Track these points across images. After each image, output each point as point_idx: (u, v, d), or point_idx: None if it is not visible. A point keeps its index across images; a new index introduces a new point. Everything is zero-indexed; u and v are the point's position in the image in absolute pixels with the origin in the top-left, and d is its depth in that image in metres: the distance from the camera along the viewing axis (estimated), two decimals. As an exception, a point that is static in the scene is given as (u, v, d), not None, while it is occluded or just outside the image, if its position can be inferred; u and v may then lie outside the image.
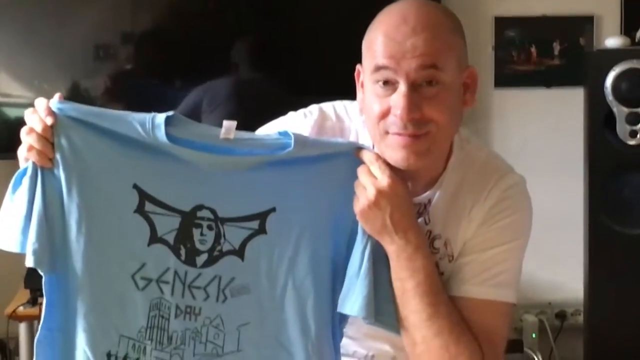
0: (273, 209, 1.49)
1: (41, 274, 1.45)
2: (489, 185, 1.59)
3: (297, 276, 1.50)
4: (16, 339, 2.92)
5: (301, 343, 1.51)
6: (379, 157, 1.51)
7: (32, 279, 2.82)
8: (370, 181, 1.49)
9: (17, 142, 1.47)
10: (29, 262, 1.43)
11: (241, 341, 1.49)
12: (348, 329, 1.61)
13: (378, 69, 1.48)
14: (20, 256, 1.45)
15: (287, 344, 1.50)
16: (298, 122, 1.66)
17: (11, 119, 3.09)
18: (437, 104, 1.47)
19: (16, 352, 2.98)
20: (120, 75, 3.24)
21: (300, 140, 1.49)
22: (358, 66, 1.58)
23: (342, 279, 1.52)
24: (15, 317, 2.81)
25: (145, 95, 3.23)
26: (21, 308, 2.81)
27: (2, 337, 3.09)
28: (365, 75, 1.53)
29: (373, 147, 1.60)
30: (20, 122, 1.47)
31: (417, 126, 1.47)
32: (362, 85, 1.57)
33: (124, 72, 3.26)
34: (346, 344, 1.65)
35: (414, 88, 1.46)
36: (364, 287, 1.48)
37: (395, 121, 1.48)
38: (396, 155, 1.49)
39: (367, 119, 1.55)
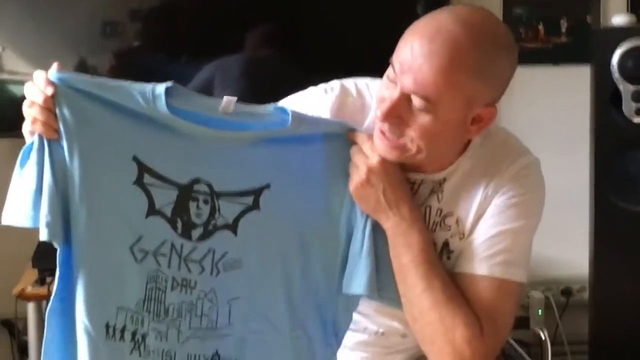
0: (267, 186, 1.50)
1: (55, 246, 1.46)
2: (504, 166, 1.59)
3: (287, 253, 1.51)
4: (24, 319, 2.92)
5: (286, 318, 1.52)
6: (370, 137, 1.52)
7: (40, 258, 2.83)
8: (362, 160, 1.51)
9: (24, 119, 1.47)
10: (43, 236, 1.44)
11: (232, 315, 1.50)
12: (359, 306, 1.62)
13: (391, 62, 1.48)
14: (28, 236, 1.46)
15: (274, 319, 1.52)
16: (319, 98, 1.66)
17: (18, 96, 3.08)
18: (420, 125, 1.47)
19: (24, 331, 2.99)
20: (127, 53, 3.23)
21: (297, 117, 1.50)
22: None
23: (336, 257, 1.53)
24: (23, 297, 2.81)
25: (153, 73, 3.20)
26: (29, 288, 2.81)
27: (10, 317, 3.10)
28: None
29: None
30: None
31: (393, 131, 1.48)
32: None
33: (131, 49, 3.25)
34: (357, 320, 1.66)
35: (406, 98, 1.46)
36: (367, 265, 1.50)
37: (379, 114, 1.49)
38: (379, 145, 1.51)
39: None
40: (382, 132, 1.50)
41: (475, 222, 1.60)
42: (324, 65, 3.03)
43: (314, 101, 1.65)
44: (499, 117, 3.70)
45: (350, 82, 1.68)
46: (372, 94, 1.65)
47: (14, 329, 3.20)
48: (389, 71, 1.50)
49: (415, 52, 1.43)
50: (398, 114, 1.47)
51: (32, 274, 2.87)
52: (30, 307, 2.84)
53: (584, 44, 3.30)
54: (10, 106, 3.07)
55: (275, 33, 3.24)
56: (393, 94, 1.47)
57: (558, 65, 3.47)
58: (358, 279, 1.50)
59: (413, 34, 1.46)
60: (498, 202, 1.58)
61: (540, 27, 3.46)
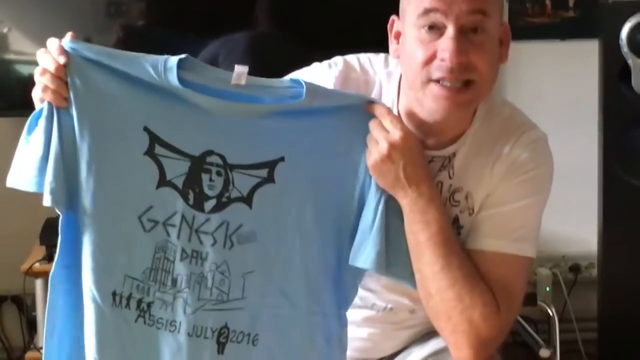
0: (282, 159, 1.49)
1: (58, 212, 1.46)
2: (511, 140, 1.59)
3: (303, 227, 1.51)
4: (32, 295, 2.95)
5: (304, 293, 1.52)
6: (390, 110, 1.52)
7: (47, 235, 2.84)
8: (383, 135, 1.49)
9: (30, 99, 1.47)
10: (47, 201, 1.44)
11: (246, 288, 1.50)
12: (367, 281, 1.63)
13: (427, 12, 1.48)
14: (36, 212, 1.46)
15: (290, 293, 1.52)
16: (322, 73, 1.66)
17: (24, 76, 3.09)
18: (483, 52, 1.48)
19: (33, 307, 3.01)
20: (133, 30, 3.22)
21: (311, 89, 1.49)
22: (393, 17, 1.58)
23: (348, 232, 1.53)
24: (31, 273, 2.83)
25: (158, 51, 3.22)
26: (37, 264, 2.83)
27: (18, 293, 3.12)
28: (407, 21, 1.53)
29: (398, 100, 1.61)
30: (33, 80, 1.47)
31: (462, 71, 1.48)
32: (396, 36, 1.58)
33: (137, 27, 3.25)
34: (365, 297, 1.67)
35: (461, 33, 1.47)
36: (377, 241, 1.49)
37: (440, 65, 1.48)
38: (436, 105, 1.50)
39: (406, 67, 1.55)
40: (445, 88, 1.49)
41: (485, 198, 1.60)
42: (328, 42, 3.04)
43: (318, 77, 1.65)
44: (506, 93, 3.71)
45: (353, 58, 1.69)
46: (376, 69, 1.66)
47: (23, 305, 3.21)
48: (421, 30, 1.49)
49: None
50: (464, 47, 1.47)
51: (40, 250, 2.89)
52: (39, 283, 2.86)
53: (592, 18, 3.27)
54: (17, 86, 3.08)
55: (279, 9, 3.22)
56: (448, 33, 1.47)
57: (566, 40, 3.46)
58: (366, 254, 1.50)
59: None
60: (508, 177, 1.58)
61: (547, 1, 3.44)
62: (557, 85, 3.47)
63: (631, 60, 2.86)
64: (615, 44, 2.87)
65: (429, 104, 1.51)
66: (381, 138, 1.49)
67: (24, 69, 3.15)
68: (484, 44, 1.49)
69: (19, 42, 3.18)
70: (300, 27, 3.21)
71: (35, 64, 1.48)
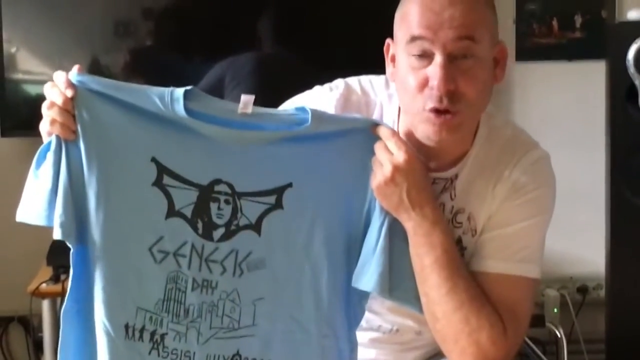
0: (290, 185, 1.49)
1: (69, 246, 1.47)
2: (513, 160, 1.59)
3: (312, 252, 1.51)
4: (39, 316, 2.94)
5: (314, 319, 1.52)
6: (395, 133, 1.52)
7: (54, 256, 2.84)
8: (387, 157, 1.49)
9: (39, 119, 1.48)
10: (57, 235, 1.45)
11: (257, 315, 1.50)
12: (372, 304, 1.62)
13: (414, 39, 1.48)
14: (43, 234, 1.46)
15: (301, 318, 1.51)
16: (324, 96, 1.67)
17: (32, 96, 3.10)
18: (471, 78, 1.48)
19: (39, 329, 3.01)
20: (140, 52, 3.24)
21: (317, 115, 1.49)
22: (388, 40, 1.58)
23: (357, 255, 1.52)
24: (38, 294, 2.83)
25: (165, 72, 3.24)
26: (44, 285, 2.83)
27: (25, 314, 3.11)
28: (399, 47, 1.53)
29: (398, 121, 1.61)
30: (41, 99, 1.48)
31: (452, 100, 1.47)
32: (392, 59, 1.58)
33: (144, 48, 3.26)
34: (371, 319, 1.66)
35: (449, 60, 1.47)
36: (380, 264, 1.49)
37: (431, 94, 1.48)
38: (428, 129, 1.50)
39: (401, 92, 1.55)
40: (438, 112, 1.49)
41: (487, 220, 1.59)
42: (334, 62, 3.06)
43: (319, 99, 1.66)
44: (514, 113, 3.71)
45: (354, 80, 1.70)
46: (377, 90, 1.66)
47: (29, 326, 3.21)
48: (411, 58, 1.49)
49: (436, 9, 1.46)
50: (452, 75, 1.47)
51: (47, 271, 2.89)
52: (45, 305, 2.86)
53: (598, 39, 3.28)
54: (25, 105, 3.10)
55: (285, 30, 3.24)
56: (436, 61, 1.47)
57: (572, 60, 3.46)
58: (369, 276, 1.49)
59: (416, 0, 1.49)
60: (511, 198, 1.58)
61: (554, 22, 3.45)
62: (564, 105, 3.47)
63: (638, 81, 2.85)
64: (622, 65, 2.86)
65: (423, 129, 1.51)
66: (385, 160, 1.49)
67: (31, 89, 3.16)
68: (472, 69, 1.48)
69: (27, 62, 3.20)
70: (306, 48, 3.22)
71: (44, 83, 1.48)
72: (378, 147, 1.51)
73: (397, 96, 1.60)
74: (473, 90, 1.49)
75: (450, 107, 1.48)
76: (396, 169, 1.48)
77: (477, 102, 1.52)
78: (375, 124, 1.53)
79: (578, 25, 3.45)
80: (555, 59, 3.46)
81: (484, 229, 1.60)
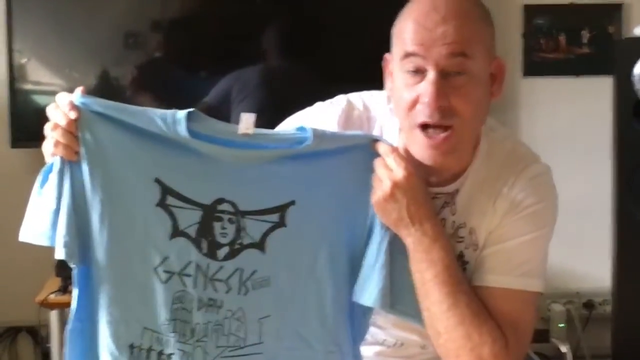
0: (292, 202, 1.50)
1: (72, 266, 1.47)
2: (512, 177, 1.58)
3: (316, 269, 1.51)
4: (47, 326, 2.96)
5: (320, 335, 1.52)
6: (395, 149, 1.52)
7: (63, 267, 2.82)
8: (386, 174, 1.49)
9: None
10: (60, 255, 1.44)
11: (263, 333, 1.50)
12: (376, 318, 1.63)
13: (407, 55, 1.48)
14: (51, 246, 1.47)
15: (307, 335, 1.52)
16: (325, 112, 1.67)
17: (41, 106, 3.09)
18: (464, 95, 1.48)
19: (47, 339, 3.02)
20: (149, 63, 3.25)
21: (318, 134, 1.49)
22: (386, 55, 1.58)
23: (359, 271, 1.52)
24: (46, 305, 2.85)
25: (174, 84, 3.25)
26: (52, 296, 2.85)
27: (33, 324, 3.13)
28: (395, 63, 1.53)
29: (399, 136, 1.61)
30: (50, 110, 1.48)
31: (443, 116, 1.47)
32: (390, 74, 1.58)
33: (154, 60, 3.28)
34: (375, 333, 1.67)
35: (442, 76, 1.46)
36: (380, 279, 1.49)
37: (422, 109, 1.48)
38: (422, 153, 1.51)
39: (396, 108, 1.56)
40: (429, 137, 1.49)
41: (489, 233, 1.59)
42: (341, 75, 3.07)
43: (321, 115, 1.66)
44: (520, 127, 3.71)
45: (355, 96, 1.69)
46: (378, 106, 1.66)
47: (38, 336, 3.22)
48: (405, 74, 1.49)
49: (429, 25, 1.46)
50: (444, 91, 1.47)
51: (55, 282, 2.91)
52: (53, 315, 2.88)
53: (605, 55, 3.30)
54: (34, 116, 3.11)
55: (292, 43, 3.25)
56: (429, 78, 1.47)
57: (579, 76, 3.47)
58: (369, 291, 1.50)
59: (412, 15, 1.49)
60: (512, 213, 1.58)
61: (562, 37, 3.46)
62: (571, 120, 3.48)
63: (644, 96, 2.87)
64: (628, 81, 2.87)
65: (416, 150, 1.52)
66: (385, 177, 1.49)
67: (41, 100, 3.18)
68: (465, 86, 1.48)
69: (37, 73, 3.22)
70: (313, 61, 3.23)
71: (54, 94, 1.49)
72: (377, 164, 1.51)
73: (394, 113, 1.60)
74: (466, 107, 1.49)
75: (442, 121, 1.48)
76: (395, 185, 1.48)
77: (472, 119, 1.51)
78: (375, 140, 1.54)
79: (585, 40, 3.46)
80: (563, 74, 3.48)
81: (486, 244, 1.60)
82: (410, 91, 1.49)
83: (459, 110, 1.48)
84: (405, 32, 1.49)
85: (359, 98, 1.69)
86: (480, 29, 1.50)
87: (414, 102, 1.49)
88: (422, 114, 1.48)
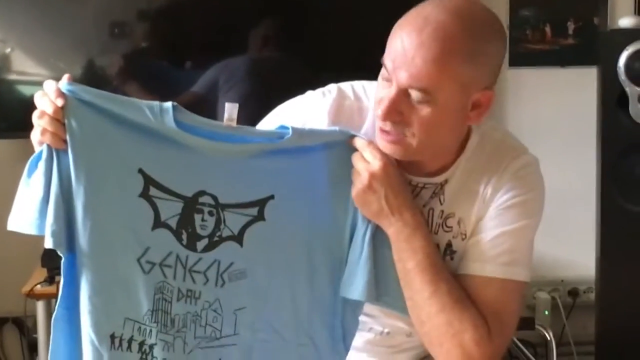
0: (271, 197, 1.51)
1: (60, 254, 1.48)
2: (502, 165, 1.60)
3: (292, 263, 1.53)
4: (34, 317, 2.96)
5: (293, 328, 1.54)
6: (370, 142, 1.53)
7: (49, 257, 2.85)
8: (364, 166, 1.51)
9: (32, 120, 1.48)
10: (48, 244, 1.45)
11: (238, 325, 1.51)
12: (365, 306, 1.63)
13: (383, 61, 1.50)
14: (37, 236, 1.47)
15: (281, 329, 1.53)
16: (317, 102, 1.67)
17: (27, 97, 3.10)
18: (421, 118, 1.48)
19: (34, 329, 3.02)
20: (135, 53, 3.24)
21: (297, 131, 1.51)
22: None
23: (339, 267, 1.54)
24: (32, 295, 2.84)
25: (160, 73, 3.24)
26: (38, 286, 2.84)
27: (19, 315, 3.13)
28: None
29: None
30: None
31: (395, 127, 1.49)
32: None
33: (140, 50, 3.26)
34: (363, 321, 1.67)
35: (404, 94, 1.47)
36: (365, 272, 1.51)
37: (378, 115, 1.51)
38: (382, 148, 1.53)
39: None
40: (383, 130, 1.51)
41: (477, 223, 1.61)
42: (328, 65, 3.07)
43: (312, 105, 1.66)
44: (506, 118, 3.72)
45: (347, 86, 1.70)
46: (370, 96, 1.66)
47: (24, 327, 3.22)
48: (383, 71, 1.51)
49: (405, 46, 1.44)
50: (398, 110, 1.48)
51: (42, 272, 2.90)
52: (40, 306, 2.87)
53: (590, 46, 3.31)
54: (19, 106, 3.10)
55: (280, 33, 3.25)
56: (390, 92, 1.47)
57: (565, 67, 3.48)
58: (355, 285, 1.51)
59: (401, 28, 1.47)
60: (499, 202, 1.59)
61: (547, 28, 3.47)
62: (556, 111, 3.49)
63: (629, 87, 2.89)
64: (613, 72, 2.89)
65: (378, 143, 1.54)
66: (362, 169, 1.51)
67: (26, 90, 3.16)
68: (425, 110, 1.47)
69: (22, 63, 3.20)
70: (301, 51, 3.23)
71: (39, 84, 1.49)
72: (355, 158, 1.53)
73: None
74: (420, 126, 1.48)
75: (392, 130, 1.50)
76: (372, 176, 1.50)
77: (426, 140, 1.50)
78: (352, 136, 1.55)
79: (571, 31, 3.47)
80: (548, 65, 3.48)
81: (473, 233, 1.61)
82: (379, 93, 1.51)
83: (412, 126, 1.49)
84: (390, 40, 1.49)
85: (350, 88, 1.69)
86: (458, 68, 1.45)
87: (377, 104, 1.52)
88: (377, 118, 1.51)
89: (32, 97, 1.48)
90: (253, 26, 3.23)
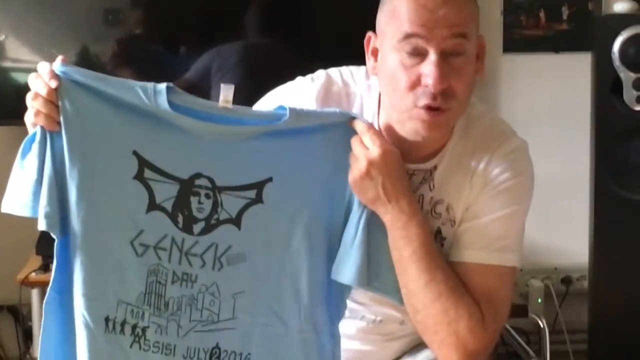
0: (270, 179, 1.50)
1: (53, 237, 1.47)
2: (489, 152, 1.60)
3: (292, 246, 1.52)
4: (29, 305, 2.96)
5: (294, 312, 1.53)
6: (371, 126, 1.52)
7: (43, 245, 2.84)
8: (362, 152, 1.50)
9: (27, 107, 1.48)
10: (41, 226, 1.45)
11: (236, 309, 1.51)
12: (356, 295, 1.64)
13: (407, 36, 1.48)
14: (32, 223, 1.47)
15: (281, 312, 1.52)
16: (305, 87, 1.68)
17: (21, 84, 3.09)
18: (462, 76, 1.49)
19: (29, 317, 3.02)
20: (129, 40, 3.23)
21: (295, 110, 1.50)
22: (370, 33, 1.58)
23: (337, 249, 1.53)
24: (27, 283, 2.84)
25: (154, 60, 3.23)
26: (33, 274, 2.84)
27: (14, 303, 3.12)
28: (387, 43, 1.52)
29: (378, 112, 1.63)
30: (29, 88, 1.47)
31: (445, 99, 1.49)
32: (373, 53, 1.58)
33: (134, 37, 3.25)
34: (355, 309, 1.68)
35: (442, 58, 1.47)
36: (358, 256, 1.50)
37: (425, 92, 1.49)
38: (419, 126, 1.51)
39: (388, 89, 1.55)
40: (433, 109, 1.49)
41: (466, 209, 1.61)
42: (320, 52, 3.06)
43: (301, 91, 1.67)
44: (500, 104, 3.72)
45: (335, 71, 1.70)
46: (357, 81, 1.67)
47: (19, 315, 3.22)
48: (402, 54, 1.49)
49: (431, 6, 1.46)
50: (446, 73, 1.47)
51: (36, 260, 2.90)
52: (34, 293, 2.87)
53: (585, 31, 3.30)
54: (13, 94, 3.08)
55: (272, 20, 3.24)
56: (431, 59, 1.47)
57: (559, 52, 3.48)
58: (347, 269, 1.51)
59: None
60: (488, 188, 1.59)
61: (541, 14, 3.46)
62: (551, 97, 3.48)
63: (623, 73, 2.89)
64: (607, 57, 2.89)
65: (412, 126, 1.52)
66: (360, 155, 1.50)
67: (20, 77, 3.15)
68: (463, 67, 1.49)
69: (16, 50, 3.19)
70: (293, 37, 3.22)
71: (32, 71, 1.48)
72: (354, 142, 1.52)
73: (382, 91, 1.60)
74: (463, 87, 1.50)
75: (443, 104, 1.49)
76: (371, 163, 1.49)
77: (466, 99, 1.53)
78: (352, 118, 1.54)
79: (565, 17, 3.46)
80: (542, 50, 3.48)
81: (462, 220, 1.61)
82: (410, 73, 1.49)
83: (457, 92, 1.50)
84: (403, 13, 1.48)
85: (339, 73, 1.69)
86: (474, 8, 1.53)
87: (413, 84, 1.49)
88: (425, 96, 1.49)
89: (26, 85, 1.47)
90: (246, 13, 3.22)
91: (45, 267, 2.83)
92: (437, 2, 1.46)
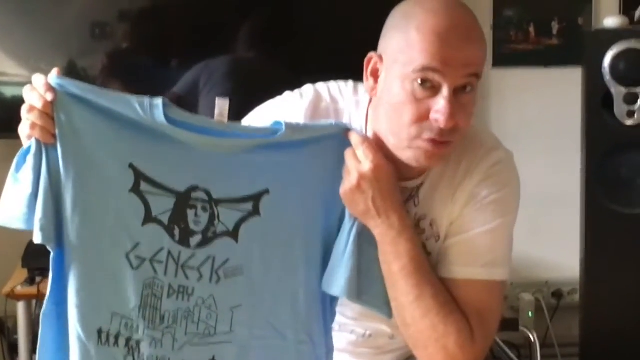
0: (267, 191, 1.50)
1: (49, 249, 1.46)
2: (474, 164, 1.59)
3: (289, 258, 1.51)
4: (14, 318, 2.93)
5: (292, 325, 1.52)
6: (365, 139, 1.52)
7: (30, 258, 2.84)
8: (354, 165, 1.50)
9: (14, 121, 1.47)
10: (37, 239, 1.44)
11: (234, 322, 1.50)
12: (345, 310, 1.63)
13: (424, 69, 1.45)
14: (18, 236, 1.45)
15: (279, 325, 1.52)
16: (294, 103, 1.67)
17: (7, 97, 3.08)
18: (467, 111, 1.49)
19: (14, 331, 3.00)
20: (117, 54, 3.22)
21: (291, 124, 1.50)
22: (372, 54, 1.55)
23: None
24: (13, 296, 2.82)
25: (142, 74, 3.23)
26: (19, 287, 2.82)
27: (0, 316, 3.10)
28: (397, 70, 1.49)
29: (366, 128, 1.62)
30: (16, 101, 1.46)
31: (450, 132, 1.48)
32: (373, 74, 1.56)
33: (121, 51, 3.25)
34: (344, 323, 1.67)
35: (454, 94, 1.46)
36: (348, 269, 1.50)
37: (433, 127, 1.47)
38: (418, 156, 1.50)
39: (392, 116, 1.52)
40: (441, 143, 1.48)
41: (450, 224, 1.60)
42: (308, 66, 3.06)
43: (289, 106, 1.66)
44: (490, 118, 3.72)
45: (323, 87, 1.69)
46: (345, 97, 1.66)
47: (4, 328, 3.19)
48: (414, 84, 1.46)
49: (455, 44, 1.45)
50: (455, 111, 1.46)
51: (22, 273, 2.89)
52: (20, 307, 2.85)
53: (575, 46, 3.31)
54: (1, 107, 3.07)
55: (261, 34, 3.24)
56: (444, 95, 1.45)
57: (549, 67, 3.48)
58: (337, 281, 1.50)
59: (433, 28, 1.45)
60: (473, 202, 1.58)
61: (531, 29, 3.47)
62: (541, 111, 3.49)
63: (614, 88, 2.89)
64: (598, 72, 2.89)
65: (412, 154, 1.51)
66: (352, 168, 1.50)
67: (7, 91, 3.14)
68: (469, 102, 1.49)
69: (3, 63, 3.17)
70: (281, 52, 3.22)
71: (20, 85, 1.47)
72: (347, 154, 1.51)
73: (382, 115, 1.55)
74: (467, 122, 1.50)
75: (447, 138, 1.48)
76: (362, 177, 1.48)
77: (466, 129, 1.52)
78: (348, 129, 1.54)
79: (555, 32, 3.47)
80: (532, 65, 3.49)
81: (448, 235, 1.60)
82: (420, 105, 1.47)
83: (461, 127, 1.48)
84: (425, 44, 1.45)
85: (327, 89, 1.68)
86: (485, 45, 1.52)
87: (422, 117, 1.48)
88: (433, 131, 1.48)
89: (12, 98, 1.47)
90: (234, 27, 3.22)
91: (32, 280, 2.82)
92: (461, 41, 1.45)
